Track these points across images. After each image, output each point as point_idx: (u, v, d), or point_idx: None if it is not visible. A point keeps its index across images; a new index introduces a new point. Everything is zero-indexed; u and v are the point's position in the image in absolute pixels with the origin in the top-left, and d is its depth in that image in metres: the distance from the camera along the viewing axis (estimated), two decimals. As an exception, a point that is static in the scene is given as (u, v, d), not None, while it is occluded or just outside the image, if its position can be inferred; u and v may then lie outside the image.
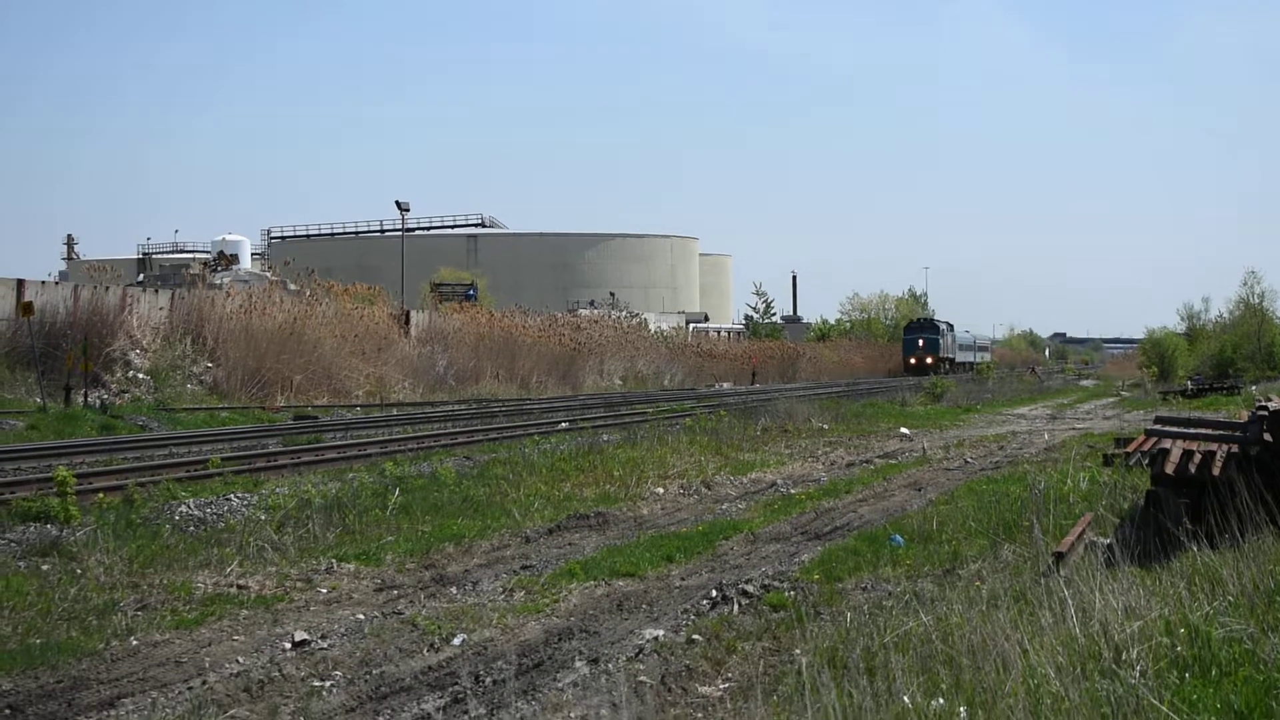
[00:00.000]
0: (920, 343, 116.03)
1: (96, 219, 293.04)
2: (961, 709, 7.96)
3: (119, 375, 44.60)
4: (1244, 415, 23.33)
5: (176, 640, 11.79)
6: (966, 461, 27.87)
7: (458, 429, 35.14)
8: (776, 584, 14.08)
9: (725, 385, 78.82)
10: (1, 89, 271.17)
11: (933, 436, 35.54)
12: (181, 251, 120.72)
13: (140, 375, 45.42)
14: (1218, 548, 12.30)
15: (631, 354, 77.11)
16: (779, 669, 10.62)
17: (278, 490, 20.66)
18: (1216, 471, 13.86)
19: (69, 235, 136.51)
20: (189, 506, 19.04)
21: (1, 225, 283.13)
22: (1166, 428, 17.23)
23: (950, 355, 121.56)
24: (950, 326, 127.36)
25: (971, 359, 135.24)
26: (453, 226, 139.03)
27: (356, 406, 48.34)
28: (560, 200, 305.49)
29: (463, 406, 48.58)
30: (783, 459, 28.55)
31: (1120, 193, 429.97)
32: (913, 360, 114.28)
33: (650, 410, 44.70)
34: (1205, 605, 9.83)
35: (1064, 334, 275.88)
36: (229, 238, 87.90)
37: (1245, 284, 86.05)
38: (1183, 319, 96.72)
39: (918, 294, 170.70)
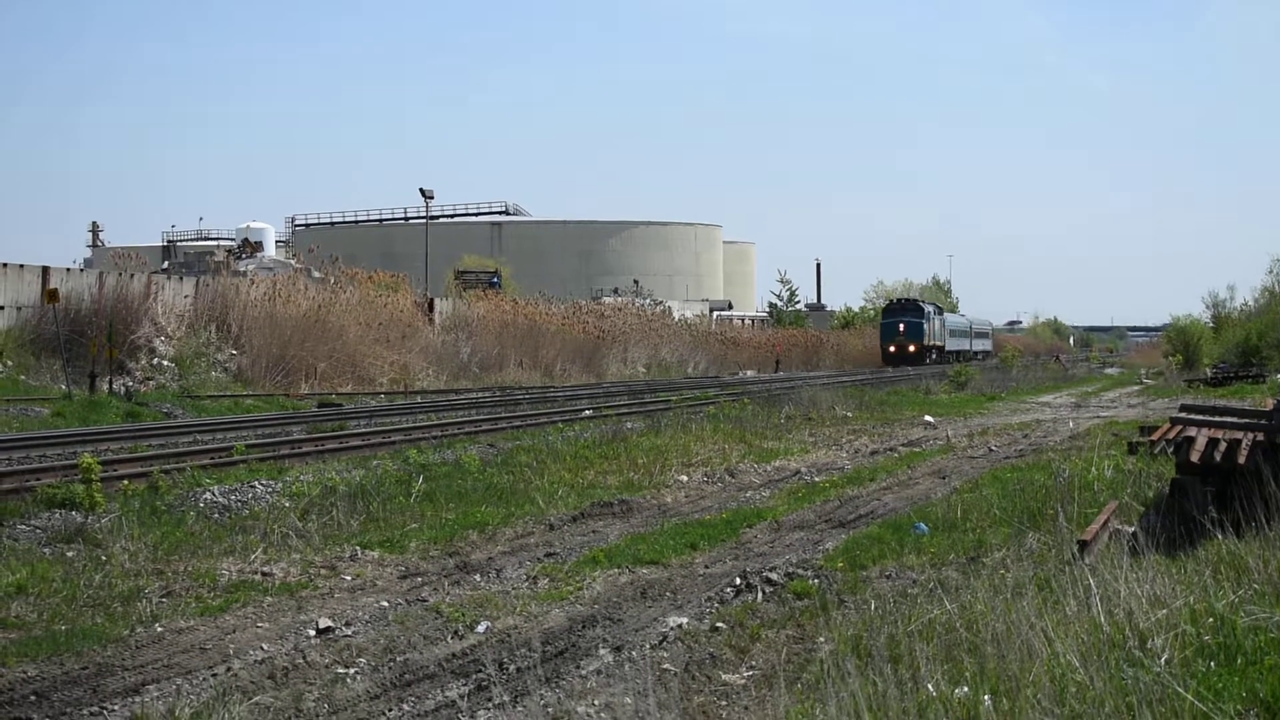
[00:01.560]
0: (900, 327, 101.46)
1: (121, 206, 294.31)
2: (986, 697, 7.94)
3: (144, 362, 44.70)
4: (1269, 403, 23.29)
5: (201, 627, 11.81)
6: (991, 449, 27.80)
7: (481, 416, 35.16)
8: (801, 572, 14.07)
9: (749, 373, 78.64)
10: (28, 76, 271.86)
11: (957, 424, 35.46)
12: (206, 239, 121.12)
13: (165, 362, 45.52)
14: (1243, 536, 12.27)
15: (655, 342, 77.09)
16: (803, 657, 10.62)
17: (302, 478, 20.69)
18: (1242, 459, 13.83)
19: (94, 223, 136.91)
20: (213, 493, 19.09)
21: (27, 213, 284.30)
22: (1191, 415, 17.21)
23: (937, 342, 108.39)
24: (939, 309, 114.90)
25: (966, 346, 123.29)
26: (477, 214, 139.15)
27: (380, 394, 48.39)
28: (584, 188, 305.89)
29: (486, 394, 48.58)
30: (806, 447, 28.50)
31: (1145, 180, 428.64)
32: (891, 348, 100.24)
33: (674, 398, 44.64)
34: (1230, 593, 9.79)
35: (1093, 322, 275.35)
36: (254, 225, 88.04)
37: (1271, 271, 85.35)
38: (1208, 307, 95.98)
39: (941, 281, 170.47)
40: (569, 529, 17.53)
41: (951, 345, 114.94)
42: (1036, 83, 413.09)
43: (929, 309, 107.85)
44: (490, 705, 9.67)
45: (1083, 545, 12.51)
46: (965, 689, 8.20)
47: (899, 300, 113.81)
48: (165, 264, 78.94)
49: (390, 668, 10.64)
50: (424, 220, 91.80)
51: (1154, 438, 18.66)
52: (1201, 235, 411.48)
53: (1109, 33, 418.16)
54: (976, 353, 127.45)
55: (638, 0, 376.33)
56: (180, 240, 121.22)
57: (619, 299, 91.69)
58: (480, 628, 11.86)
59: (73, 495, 17.64)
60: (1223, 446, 14.17)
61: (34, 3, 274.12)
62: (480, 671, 10.41)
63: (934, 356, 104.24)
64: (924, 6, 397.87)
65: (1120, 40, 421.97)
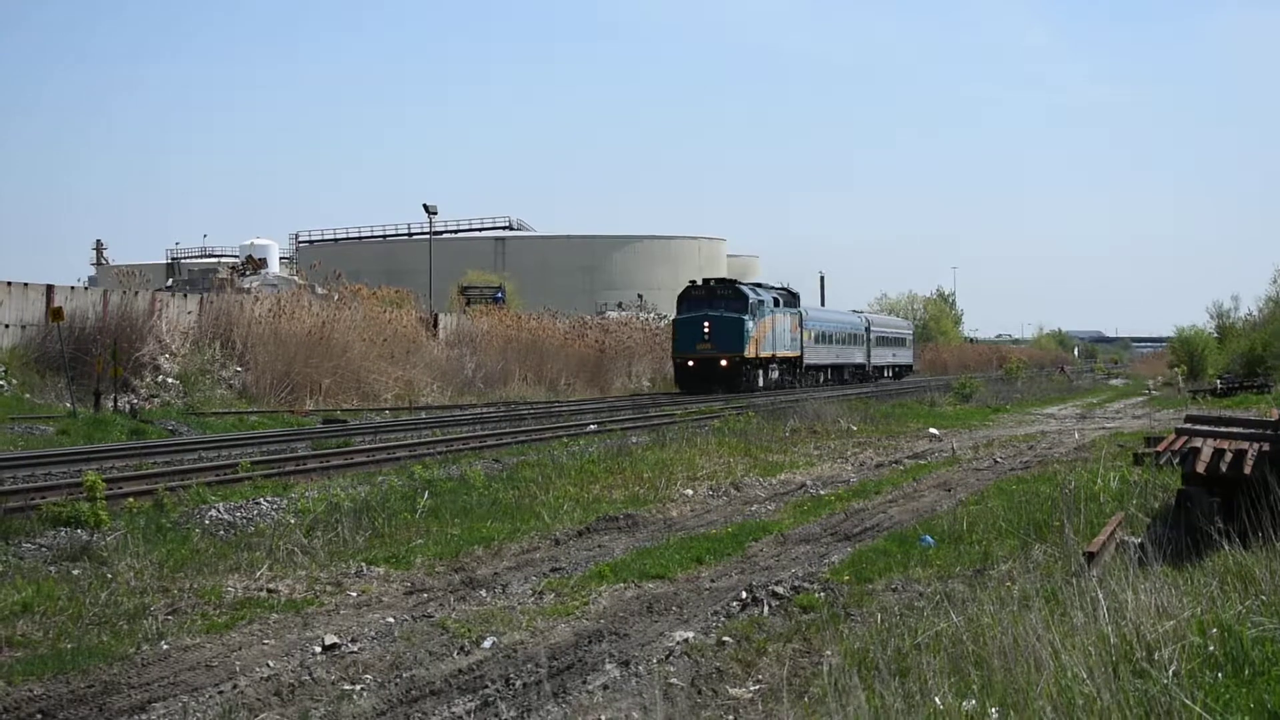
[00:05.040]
0: (705, 328, 63.12)
1: (125, 224, 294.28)
2: (993, 710, 7.94)
3: (148, 380, 44.74)
4: (1275, 413, 23.26)
5: (207, 644, 11.80)
6: (996, 461, 27.79)
7: (486, 432, 35.17)
8: (807, 585, 14.06)
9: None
10: (31, 93, 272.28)
11: (962, 437, 35.47)
12: (210, 256, 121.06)
13: (169, 380, 45.55)
14: (1250, 547, 12.26)
15: (660, 356, 77.08)
16: (810, 670, 10.60)
17: (307, 494, 20.68)
18: (1248, 470, 13.82)
19: (98, 240, 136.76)
20: (219, 510, 19.09)
21: (31, 231, 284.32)
22: (1197, 426, 17.20)
23: (784, 350, 70.92)
24: (793, 298, 75.91)
25: (860, 359, 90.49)
26: (480, 229, 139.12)
27: (385, 410, 48.40)
28: (587, 202, 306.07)
29: (491, 409, 48.58)
30: (812, 460, 28.50)
31: (1149, 191, 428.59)
32: (689, 362, 63.63)
33: (679, 412, 44.66)
34: (1238, 604, 9.79)
35: (1098, 331, 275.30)
36: (257, 242, 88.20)
37: (1275, 281, 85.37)
38: (1212, 317, 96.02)
39: (945, 294, 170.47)
40: (574, 544, 17.51)
41: (824, 358, 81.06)
42: (1038, 94, 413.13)
43: (764, 297, 68.51)
44: (497, 721, 9.67)
45: (1089, 557, 12.50)
46: (972, 702, 8.19)
47: (706, 282, 68.74)
48: (169, 281, 79.11)
49: (396, 684, 10.63)
50: (428, 236, 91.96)
51: (1160, 449, 18.69)
52: (1206, 245, 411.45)
53: (1111, 44, 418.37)
54: (880, 368, 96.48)
55: (641, 15, 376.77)
56: (184, 257, 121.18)
57: (623, 313, 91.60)
58: (486, 643, 11.84)
59: (78, 513, 17.64)
60: (1228, 457, 14.16)
61: (38, 21, 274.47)
62: (486, 687, 10.39)
63: (776, 375, 69.55)
64: (925, 20, 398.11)
65: (1122, 51, 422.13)
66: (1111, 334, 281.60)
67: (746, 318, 64.13)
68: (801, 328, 74.93)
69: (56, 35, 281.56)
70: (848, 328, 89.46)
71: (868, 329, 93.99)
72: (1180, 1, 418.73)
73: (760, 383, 66.44)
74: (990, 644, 9.37)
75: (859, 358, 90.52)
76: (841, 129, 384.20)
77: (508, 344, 63.08)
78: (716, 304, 64.68)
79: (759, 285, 72.14)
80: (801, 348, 74.62)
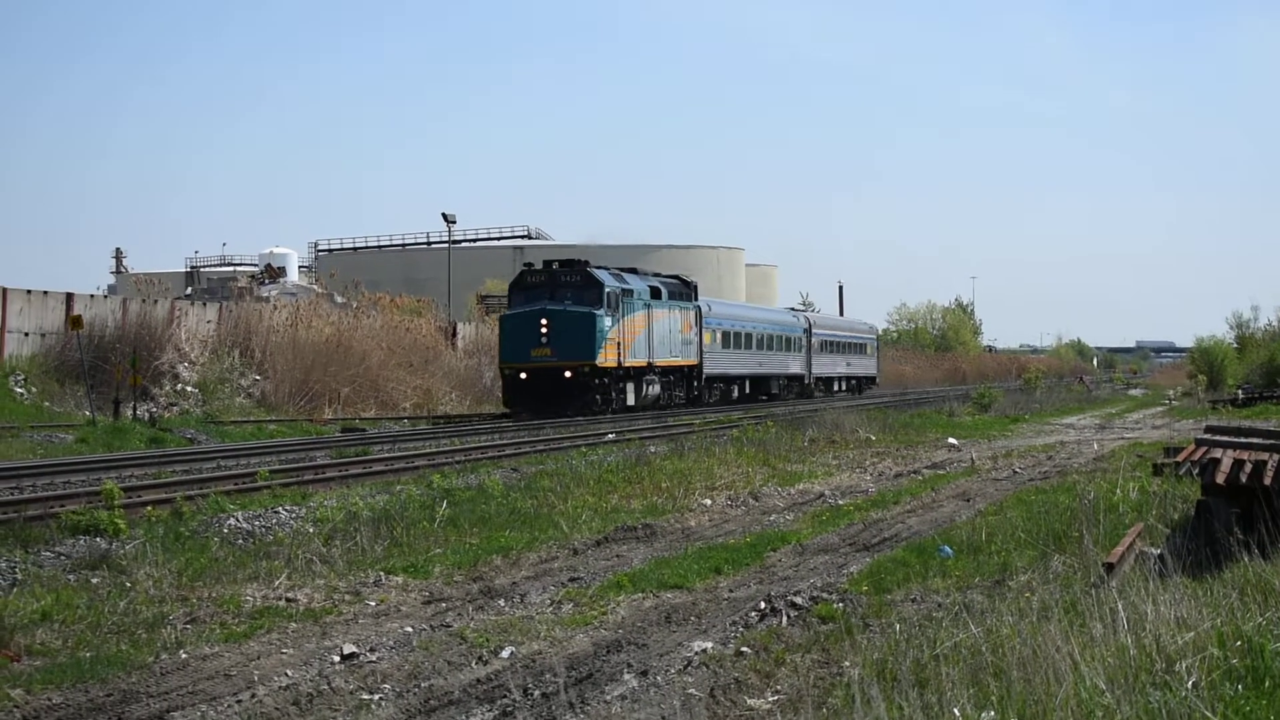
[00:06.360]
0: (542, 327, 49.36)
1: (144, 233, 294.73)
2: (1012, 721, 7.92)
3: (167, 388, 44.90)
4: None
5: (225, 653, 11.81)
6: (1015, 472, 27.73)
7: (504, 441, 35.23)
8: (825, 596, 14.03)
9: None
10: (49, 100, 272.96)
11: (980, 447, 35.38)
12: (229, 265, 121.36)
13: (188, 388, 45.71)
14: (1270, 557, 12.23)
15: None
16: (828, 681, 10.57)
17: (326, 503, 20.70)
18: (1268, 481, 13.78)
19: (117, 249, 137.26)
20: (237, 519, 19.12)
21: (51, 239, 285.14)
22: (1217, 437, 17.16)
23: (672, 358, 57.22)
24: (686, 288, 61.08)
25: (796, 368, 76.75)
26: (499, 238, 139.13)
27: (404, 419, 48.50)
28: (605, 212, 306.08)
29: (509, 419, 48.57)
30: (830, 470, 28.46)
31: (1169, 200, 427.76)
32: (521, 375, 49.52)
33: (697, 421, 44.67)
34: (1258, 616, 9.76)
35: (1130, 344, 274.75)
36: (276, 251, 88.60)
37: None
38: (1231, 327, 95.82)
39: (965, 303, 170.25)
40: (593, 553, 17.50)
41: (736, 365, 66.69)
42: (1058, 103, 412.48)
43: (634, 285, 54.42)
44: (515, 731, 9.67)
45: (1109, 568, 12.47)
46: (991, 713, 8.17)
47: (548, 265, 52.94)
48: (188, 290, 79.43)
49: (415, 693, 10.63)
50: (446, 244, 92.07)
51: (1179, 459, 18.65)
52: (1226, 255, 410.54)
53: (1130, 51, 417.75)
54: (826, 380, 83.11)
55: (662, 25, 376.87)
56: (203, 266, 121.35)
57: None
58: (504, 653, 11.84)
59: (97, 522, 17.71)
60: (1248, 467, 14.12)
61: (56, 31, 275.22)
62: (505, 697, 10.38)
63: (655, 390, 55.51)
64: (942, 29, 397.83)
65: (1142, 58, 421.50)
66: (1131, 344, 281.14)
67: (601, 313, 49.62)
68: (700, 327, 60.31)
69: (75, 39, 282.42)
70: (775, 329, 73.69)
71: (808, 332, 79.01)
72: (1203, 10, 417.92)
73: (631, 400, 52.78)
74: (1009, 655, 9.34)
75: (795, 367, 76.56)
76: (860, 139, 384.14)
77: (526, 353, 63.11)
78: (560, 294, 50.27)
79: (630, 270, 56.73)
80: (700, 354, 60.42)
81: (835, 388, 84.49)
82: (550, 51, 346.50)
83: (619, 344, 50.78)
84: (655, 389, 55.26)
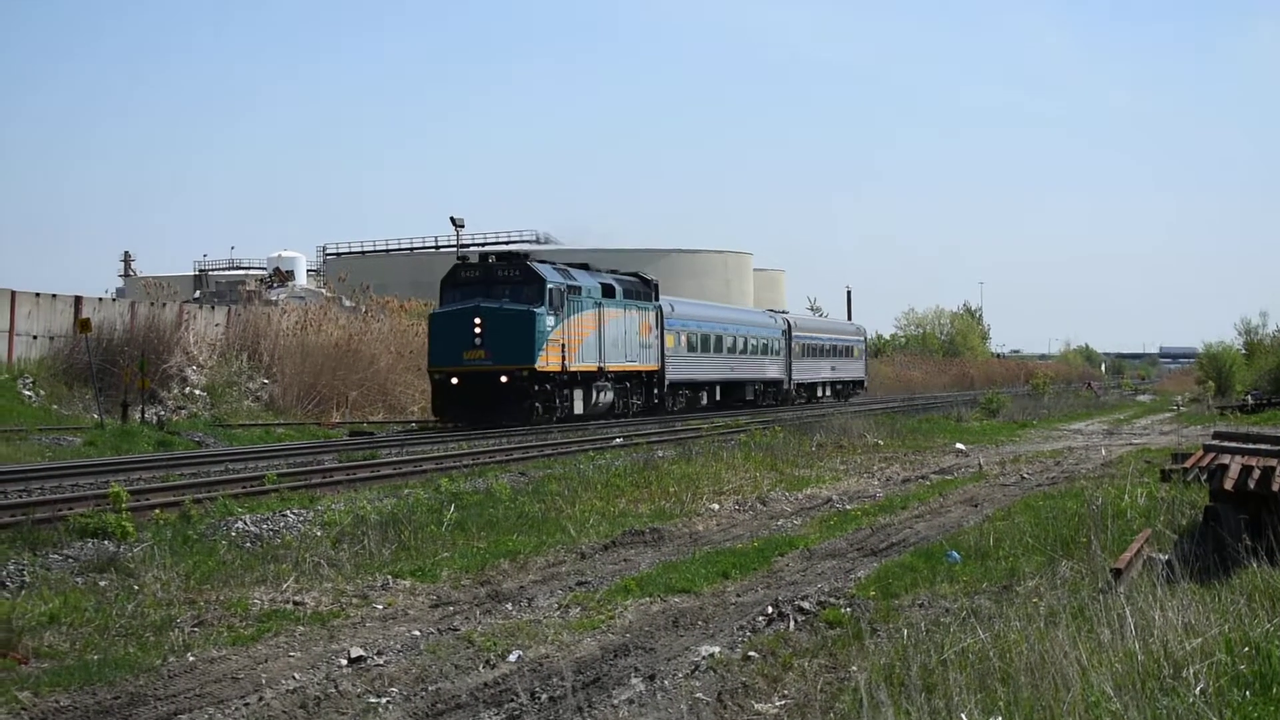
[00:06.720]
0: (476, 327, 44.63)
1: (153, 236, 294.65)
2: (1020, 727, 7.92)
3: (175, 391, 44.94)
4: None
5: (233, 656, 11.83)
6: (1023, 477, 27.71)
7: (512, 445, 35.21)
8: (833, 600, 14.03)
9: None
10: (55, 103, 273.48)
11: (988, 452, 35.36)
12: (238, 268, 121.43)
13: (197, 391, 45.76)
14: (1278, 564, 12.21)
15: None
16: (836, 686, 10.57)
17: (334, 506, 20.71)
18: (1276, 486, 13.75)
19: (126, 252, 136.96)
20: (245, 523, 19.13)
21: (59, 242, 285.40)
22: (1225, 443, 17.13)
23: (629, 362, 52.63)
24: (646, 287, 56.70)
25: (774, 373, 71.82)
26: (508, 242, 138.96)
27: (412, 422, 48.51)
28: (614, 216, 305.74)
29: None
30: (838, 475, 28.46)
31: (1176, 206, 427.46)
32: (453, 380, 44.64)
33: (705, 426, 44.66)
34: (1266, 622, 9.76)
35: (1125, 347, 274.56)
36: (285, 254, 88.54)
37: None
38: (1240, 333, 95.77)
39: (973, 308, 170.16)
40: (600, 557, 17.51)
41: (703, 370, 62.07)
42: (1059, 103, 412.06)
43: (583, 282, 49.76)
44: (522, 735, 9.67)
45: (1116, 573, 12.47)
46: (999, 719, 8.17)
47: (484, 259, 48.97)
48: (197, 293, 79.52)
49: (422, 697, 10.63)
50: (455, 249, 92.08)
51: (1187, 465, 18.61)
52: (1234, 261, 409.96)
53: (1134, 54, 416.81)
54: (808, 386, 78.19)
55: (669, 28, 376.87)
56: (212, 269, 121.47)
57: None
58: (512, 657, 11.84)
59: (105, 524, 17.72)
60: (1256, 474, 14.09)
61: (64, 36, 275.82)
62: (512, 701, 10.39)
63: (608, 398, 50.98)
64: (947, 32, 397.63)
65: (1147, 62, 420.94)
66: (1139, 349, 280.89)
67: (541, 311, 44.98)
68: (660, 329, 55.92)
69: (81, 41, 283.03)
70: (749, 330, 69.05)
71: (787, 333, 73.82)
72: (1207, 11, 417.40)
73: (578, 408, 48.23)
74: (1017, 660, 9.35)
75: (772, 372, 71.62)
76: (861, 140, 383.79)
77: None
78: (497, 291, 45.58)
79: (581, 266, 52.43)
80: (662, 357, 55.99)
81: (819, 393, 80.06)
82: (552, 53, 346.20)
83: (563, 346, 46.26)
84: (607, 396, 50.82)
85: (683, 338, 59.03)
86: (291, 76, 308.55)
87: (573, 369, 47.10)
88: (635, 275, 56.55)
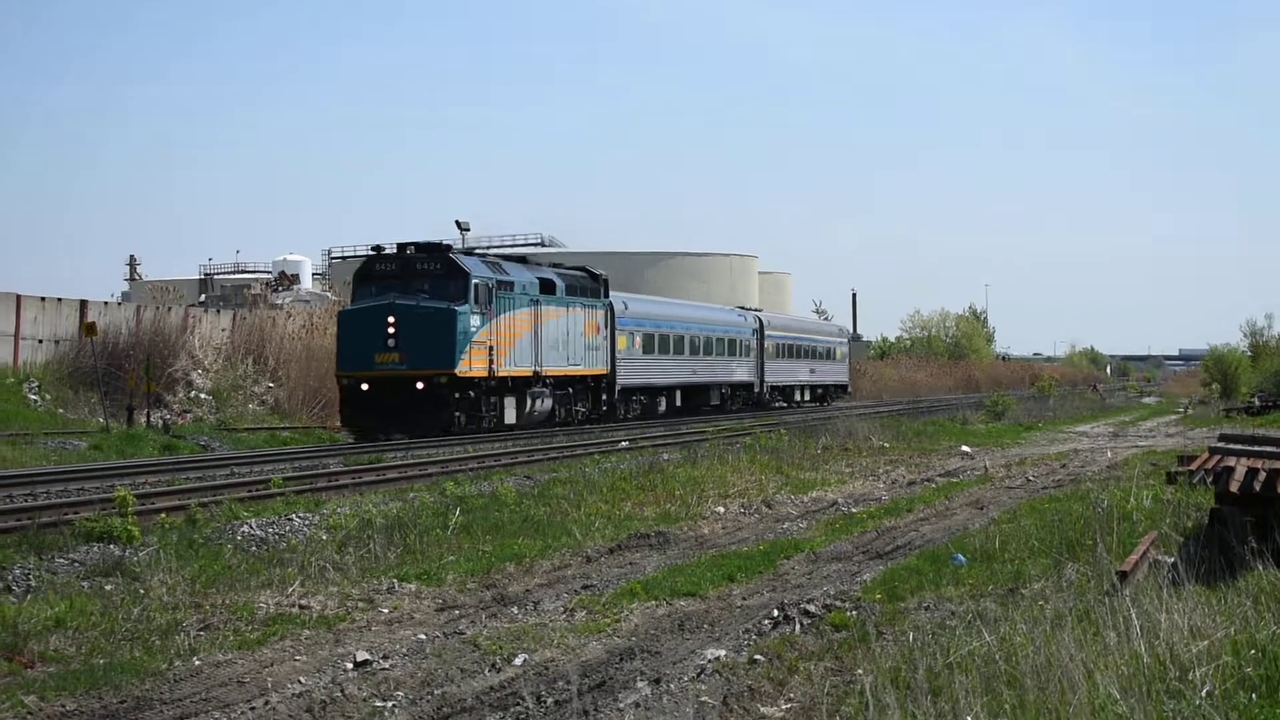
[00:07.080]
0: (389, 326, 39.03)
1: (158, 240, 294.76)
2: (1026, 730, 7.92)
3: (181, 395, 45.01)
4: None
5: (239, 660, 11.83)
6: (1028, 479, 27.70)
7: (517, 448, 35.20)
8: (838, 603, 14.03)
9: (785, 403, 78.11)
10: (60, 107, 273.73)
11: (994, 455, 35.35)
12: (243, 272, 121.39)
13: (202, 395, 45.82)
14: (1284, 566, 12.21)
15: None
16: (842, 689, 10.56)
17: (339, 510, 20.71)
18: (1282, 489, 13.75)
19: (131, 256, 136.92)
20: (251, 526, 19.12)
21: (65, 246, 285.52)
22: (1230, 445, 17.12)
23: (572, 366, 47.51)
24: (594, 282, 51.48)
25: (745, 375, 66.60)
26: (513, 245, 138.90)
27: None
28: (620, 218, 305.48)
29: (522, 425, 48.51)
30: (843, 478, 28.45)
31: (1182, 209, 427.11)
32: (363, 386, 39.18)
33: (710, 429, 44.67)
34: (1272, 625, 9.76)
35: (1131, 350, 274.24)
36: (290, 258, 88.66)
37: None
38: (1245, 335, 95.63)
39: (978, 311, 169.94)
40: (606, 561, 17.51)
41: (661, 374, 56.62)
42: (1070, 111, 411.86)
43: (516, 277, 44.37)
44: (528, 738, 9.67)
45: (1122, 576, 12.46)
46: (1005, 722, 8.17)
47: (401, 250, 41.62)
48: (202, 297, 79.62)
49: (428, 701, 10.64)
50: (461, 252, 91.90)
51: (1193, 467, 18.60)
52: (1239, 263, 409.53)
53: (1141, 60, 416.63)
54: (783, 389, 73.35)
55: (675, 31, 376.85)
56: (217, 273, 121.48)
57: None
58: (518, 660, 11.85)
59: (110, 529, 17.70)
60: (1262, 476, 14.08)
61: (67, 37, 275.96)
62: (518, 704, 10.39)
63: (546, 405, 45.63)
64: (955, 35, 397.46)
65: (1152, 69, 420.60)
66: (1144, 352, 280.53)
67: (464, 310, 39.76)
68: (611, 329, 50.90)
69: (84, 46, 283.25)
70: (715, 330, 63.24)
71: (758, 332, 68.38)
72: (1212, 18, 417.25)
73: (510, 417, 42.98)
74: (1023, 663, 9.34)
75: (742, 374, 66.21)
76: (871, 146, 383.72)
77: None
78: (414, 286, 40.26)
79: (518, 260, 47.66)
80: (612, 360, 50.93)
81: (796, 397, 75.08)
82: (559, 56, 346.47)
83: (490, 348, 40.95)
84: (545, 404, 45.42)
85: (637, 338, 54.07)
86: (296, 80, 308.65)
87: (502, 374, 42.02)
88: (582, 270, 51.80)
